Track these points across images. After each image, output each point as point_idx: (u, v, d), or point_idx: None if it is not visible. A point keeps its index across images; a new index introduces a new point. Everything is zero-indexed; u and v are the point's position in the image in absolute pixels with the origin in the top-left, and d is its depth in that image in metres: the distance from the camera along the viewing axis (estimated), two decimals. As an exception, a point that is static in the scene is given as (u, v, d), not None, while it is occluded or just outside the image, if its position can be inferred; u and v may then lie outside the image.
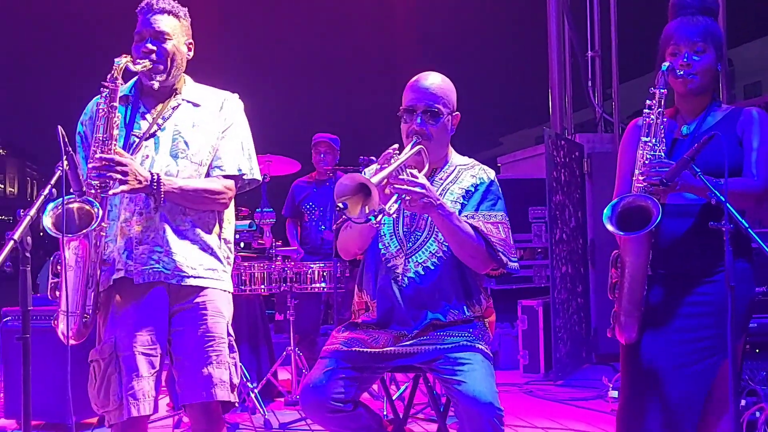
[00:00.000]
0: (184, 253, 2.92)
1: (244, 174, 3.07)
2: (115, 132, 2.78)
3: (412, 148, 2.90)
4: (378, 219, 2.62)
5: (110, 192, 2.74)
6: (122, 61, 2.82)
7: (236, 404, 3.03)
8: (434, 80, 3.04)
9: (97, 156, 2.72)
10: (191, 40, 3.10)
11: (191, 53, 3.11)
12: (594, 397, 5.71)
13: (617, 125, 8.00)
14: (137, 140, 2.94)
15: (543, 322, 6.66)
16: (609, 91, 8.55)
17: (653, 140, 2.71)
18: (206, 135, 3.01)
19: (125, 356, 2.84)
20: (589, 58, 8.47)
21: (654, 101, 2.74)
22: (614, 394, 5.33)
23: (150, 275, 2.88)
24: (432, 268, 2.97)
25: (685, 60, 2.76)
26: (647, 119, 2.74)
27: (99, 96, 3.04)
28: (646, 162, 2.67)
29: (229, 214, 3.13)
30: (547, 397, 5.86)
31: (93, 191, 2.71)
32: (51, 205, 2.58)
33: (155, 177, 2.79)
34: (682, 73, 2.76)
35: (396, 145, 2.93)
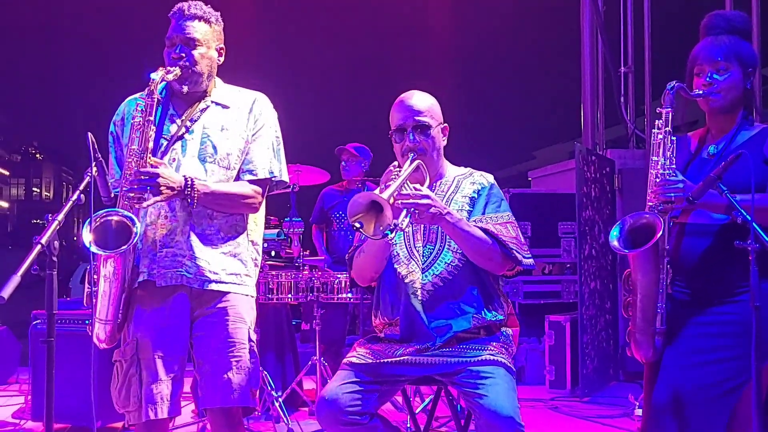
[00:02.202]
0: (207, 257, 2.95)
1: (274, 176, 3.10)
2: (150, 145, 2.82)
3: (410, 164, 2.95)
4: (393, 234, 2.66)
5: (144, 204, 2.80)
6: (158, 75, 2.86)
7: (257, 409, 3.06)
8: (417, 97, 3.10)
9: (133, 170, 2.76)
10: (222, 45, 3.12)
11: (222, 58, 3.12)
12: (620, 415, 5.65)
13: (649, 141, 7.93)
14: (166, 143, 2.97)
15: (570, 338, 6.62)
16: (642, 107, 8.50)
17: (662, 159, 2.73)
18: (235, 138, 3.03)
19: (146, 359, 2.90)
20: (622, 73, 8.42)
21: (661, 120, 2.76)
22: (640, 412, 5.28)
23: (172, 278, 2.92)
24: (450, 277, 2.99)
25: (707, 79, 2.77)
26: (656, 138, 2.76)
27: (132, 99, 3.09)
28: (657, 181, 2.68)
29: (258, 216, 3.15)
30: (572, 414, 5.82)
31: (127, 202, 2.76)
32: (94, 216, 2.64)
33: (189, 181, 2.83)
34: (701, 92, 2.77)
35: (396, 163, 3.00)
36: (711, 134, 2.89)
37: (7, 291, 2.11)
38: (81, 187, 2.51)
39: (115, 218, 2.70)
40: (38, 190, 72.08)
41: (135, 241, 2.69)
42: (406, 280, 3.00)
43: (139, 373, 2.90)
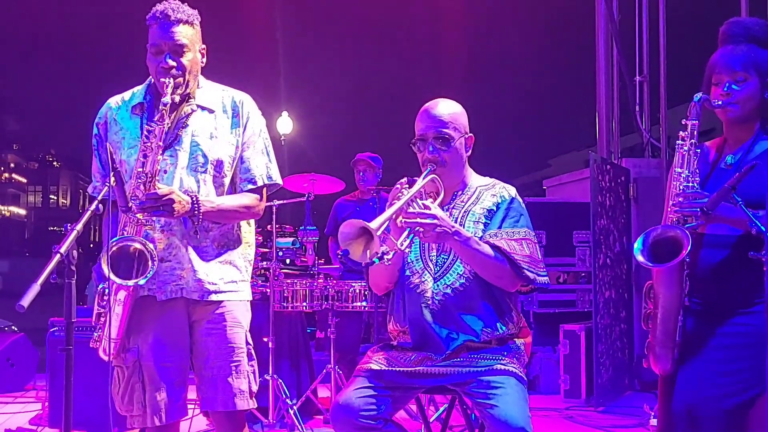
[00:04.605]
0: (205, 269, 2.96)
1: (272, 181, 3.11)
2: (158, 167, 2.81)
3: (424, 178, 2.93)
4: (389, 258, 2.67)
5: (155, 222, 2.85)
6: (168, 99, 2.82)
7: (256, 406, 3.11)
8: (442, 107, 3.06)
9: (142, 192, 2.75)
10: (204, 45, 3.04)
11: (204, 59, 3.05)
12: (635, 425, 5.64)
13: (664, 150, 7.94)
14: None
15: (585, 347, 6.60)
16: (657, 115, 8.48)
17: (686, 172, 2.69)
18: (225, 146, 3.01)
19: (147, 367, 2.94)
20: (637, 82, 8.41)
21: (686, 132, 2.73)
22: (655, 422, 5.27)
23: (172, 292, 2.94)
24: (461, 289, 2.97)
25: (724, 89, 2.74)
26: (680, 150, 2.73)
27: (116, 106, 3.06)
28: (680, 193, 2.66)
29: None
30: (587, 423, 5.80)
31: (134, 223, 2.80)
32: (112, 242, 2.68)
33: (194, 199, 2.84)
34: (720, 102, 2.74)
35: (404, 179, 2.97)
36: (728, 144, 2.86)
37: (27, 300, 2.13)
38: (99, 197, 2.53)
39: (137, 245, 2.75)
40: (55, 198, 72.49)
41: (151, 272, 2.73)
42: (418, 290, 3.00)
43: (141, 381, 2.95)
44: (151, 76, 3.01)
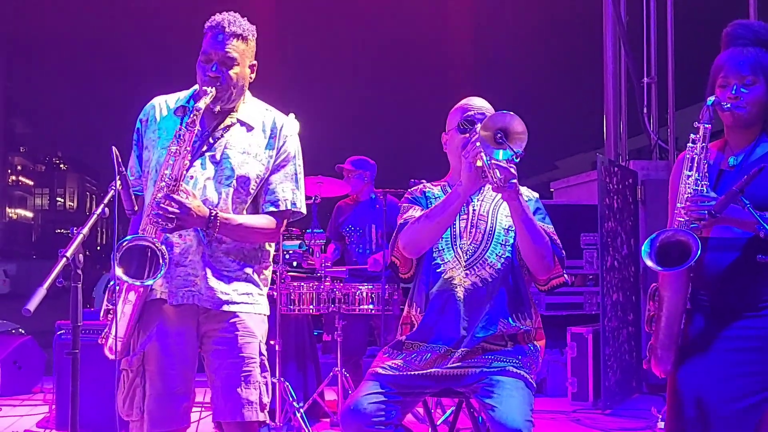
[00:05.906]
0: (219, 279, 2.93)
1: (295, 208, 3.08)
2: (185, 172, 2.80)
3: None
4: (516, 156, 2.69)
5: (169, 233, 2.82)
6: (203, 104, 2.82)
7: (267, 422, 3.06)
8: (482, 100, 3.17)
9: (164, 194, 2.74)
10: (255, 62, 3.05)
11: (254, 75, 3.05)
12: (642, 428, 5.63)
13: (672, 152, 7.92)
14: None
15: (592, 350, 6.58)
16: (665, 117, 8.46)
17: (696, 174, 2.67)
18: (255, 164, 2.98)
19: (150, 371, 2.91)
20: (645, 84, 8.39)
21: (698, 135, 2.70)
22: (663, 425, 5.26)
23: (184, 297, 2.90)
24: (490, 280, 2.98)
25: (733, 92, 2.71)
26: (691, 153, 2.70)
27: (157, 104, 3.06)
28: (689, 197, 2.64)
29: None
30: (594, 426, 5.79)
31: (152, 226, 2.78)
32: (123, 242, 2.67)
33: (212, 215, 2.81)
34: (729, 105, 2.71)
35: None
36: (729, 147, 2.85)
37: (33, 304, 2.12)
38: (105, 201, 2.51)
39: (146, 244, 2.73)
40: (62, 200, 72.72)
41: (162, 272, 2.70)
42: (446, 276, 3.00)
43: (143, 385, 2.91)
44: (197, 83, 3.00)
